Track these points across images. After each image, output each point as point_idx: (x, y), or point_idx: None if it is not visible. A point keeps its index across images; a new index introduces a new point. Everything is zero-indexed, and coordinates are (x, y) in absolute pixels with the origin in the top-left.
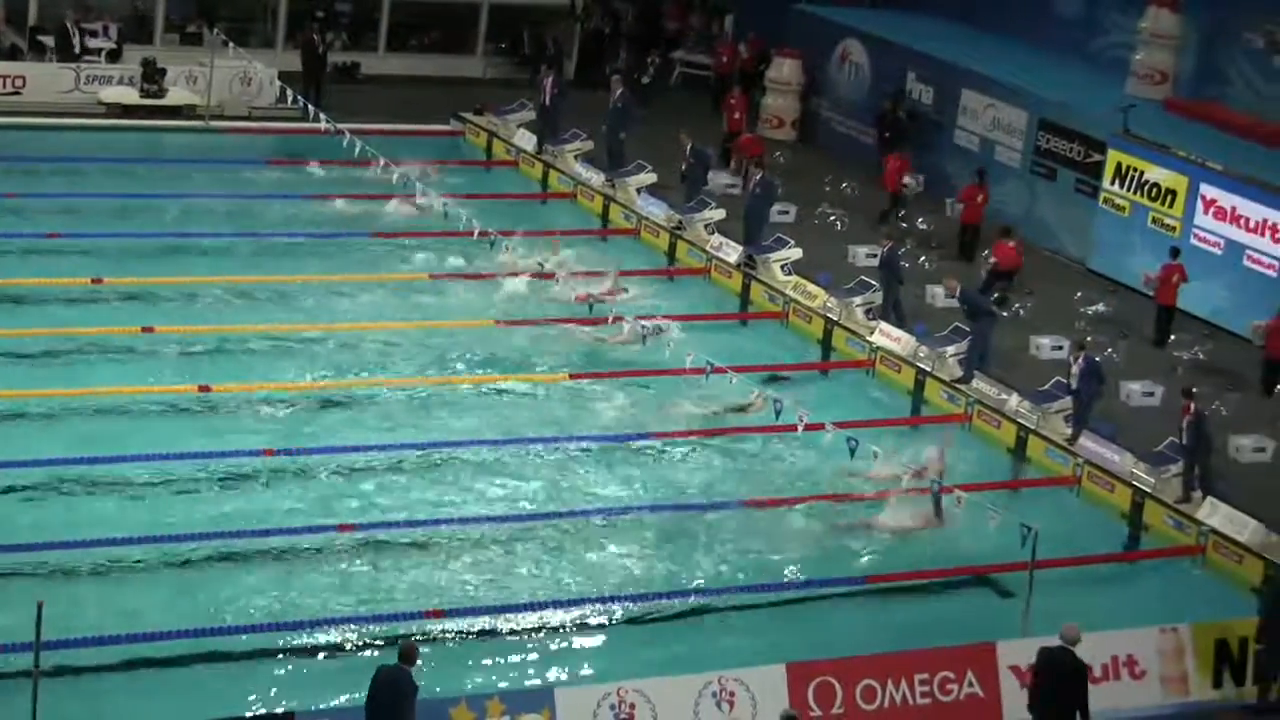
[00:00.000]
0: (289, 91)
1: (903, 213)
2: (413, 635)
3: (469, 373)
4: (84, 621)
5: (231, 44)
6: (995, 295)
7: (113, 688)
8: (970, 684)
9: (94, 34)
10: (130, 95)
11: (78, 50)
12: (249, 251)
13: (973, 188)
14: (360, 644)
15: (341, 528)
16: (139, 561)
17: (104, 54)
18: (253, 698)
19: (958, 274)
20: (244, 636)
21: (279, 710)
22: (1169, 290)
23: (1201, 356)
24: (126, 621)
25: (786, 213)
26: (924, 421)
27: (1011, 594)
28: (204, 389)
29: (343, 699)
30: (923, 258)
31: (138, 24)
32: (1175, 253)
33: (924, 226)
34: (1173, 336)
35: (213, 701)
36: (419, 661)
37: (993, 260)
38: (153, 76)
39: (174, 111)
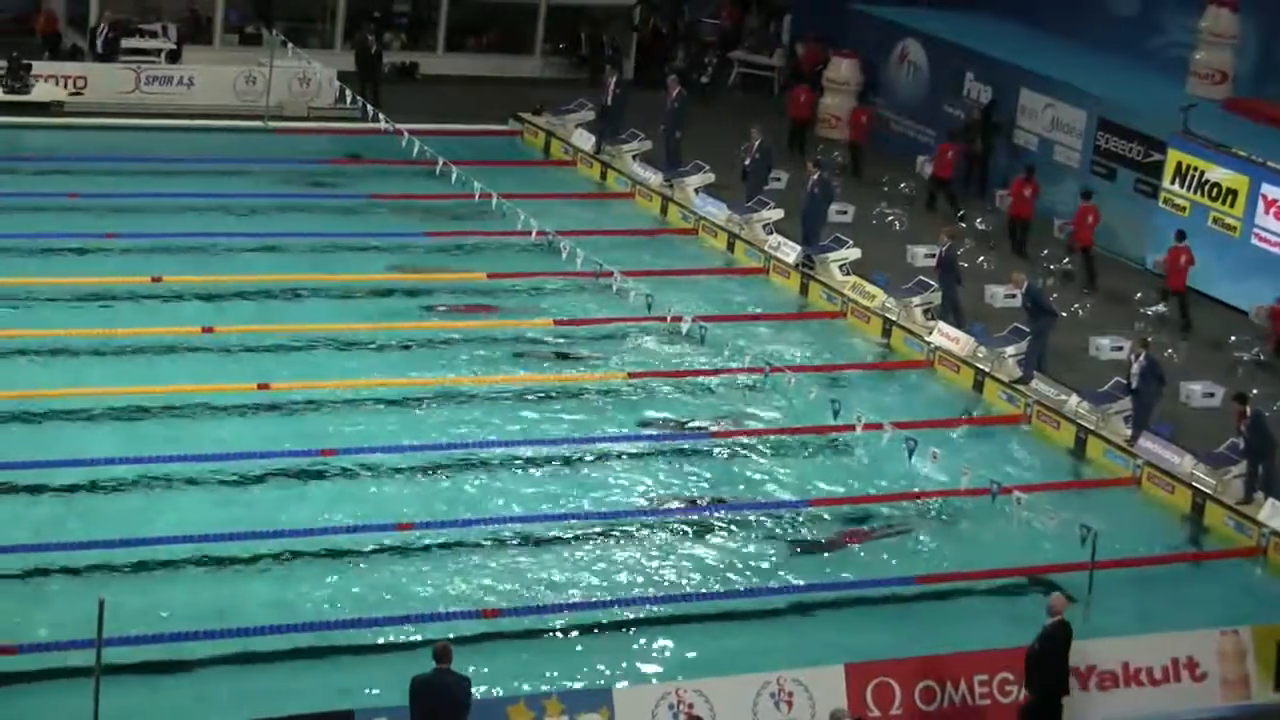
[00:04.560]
0: (347, 92)
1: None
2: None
3: (527, 371)
4: (143, 619)
5: (290, 45)
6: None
7: (172, 685)
8: None
9: (153, 35)
10: None
11: (100, 50)
12: (307, 249)
13: (1020, 182)
14: (419, 642)
15: (400, 527)
16: (202, 559)
17: (163, 55)
18: (312, 695)
19: (1023, 269)
20: (303, 634)
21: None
22: (1178, 274)
23: (1262, 357)
24: (185, 619)
25: (845, 213)
26: (983, 422)
27: (1071, 596)
28: (263, 386)
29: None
30: (981, 258)
31: (196, 25)
32: (1181, 235)
33: (982, 226)
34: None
35: (272, 698)
36: (453, 663)
37: (1070, 229)
38: (17, 73)
39: (41, 108)
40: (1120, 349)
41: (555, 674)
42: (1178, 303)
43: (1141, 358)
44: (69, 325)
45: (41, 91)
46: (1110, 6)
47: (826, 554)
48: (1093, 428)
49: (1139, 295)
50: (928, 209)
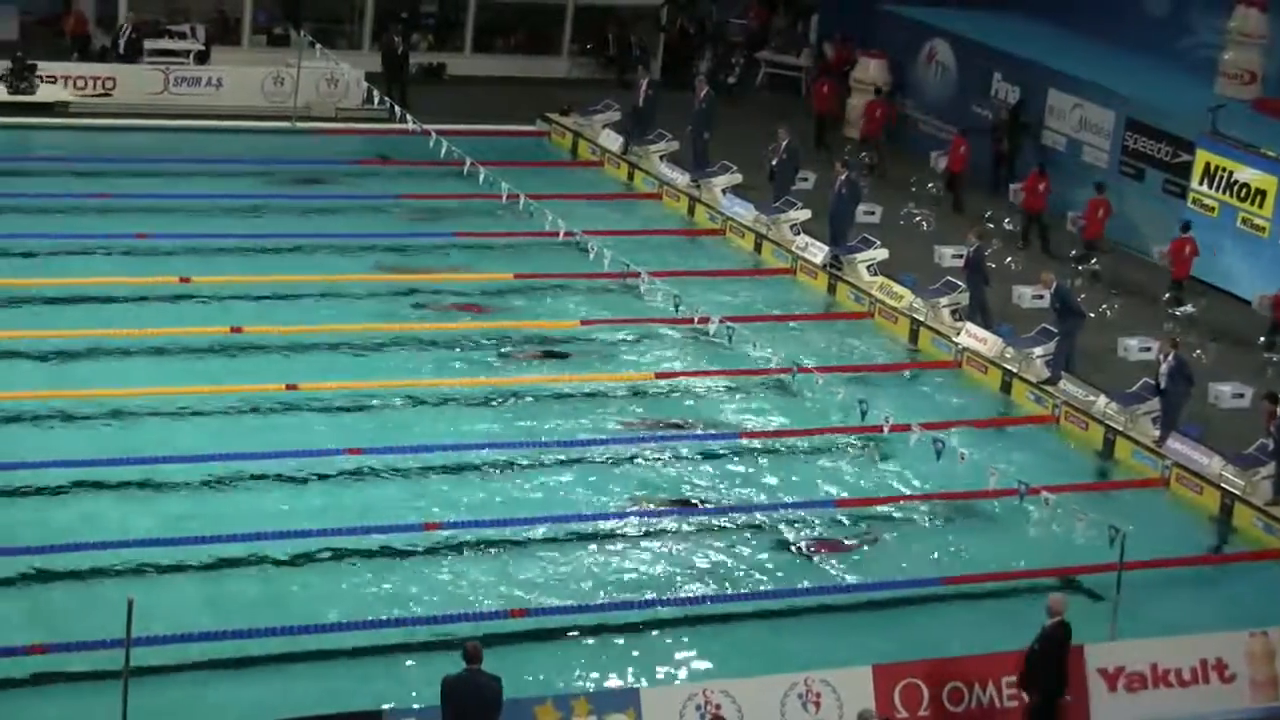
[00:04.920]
0: (375, 92)
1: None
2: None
3: (554, 372)
4: (171, 618)
5: (318, 46)
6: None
7: (201, 685)
8: None
9: (181, 36)
10: None
11: (122, 51)
12: (332, 250)
13: (1034, 176)
14: (447, 642)
15: (428, 526)
16: (224, 559)
17: (192, 56)
18: (340, 695)
19: (1053, 269)
20: (331, 634)
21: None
22: (1182, 263)
23: None
24: (213, 618)
25: (872, 213)
26: (1011, 423)
27: (1100, 596)
28: (291, 387)
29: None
30: (1009, 258)
31: (224, 26)
32: (1186, 226)
33: (1009, 226)
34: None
35: (301, 698)
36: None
37: (1082, 223)
38: (22, 73)
39: (46, 108)
40: (1149, 350)
41: (583, 674)
42: (1178, 290)
43: (1170, 358)
44: (96, 326)
45: (46, 92)
46: (1139, 7)
47: (857, 556)
48: (1121, 428)
49: (1167, 295)
50: (955, 210)
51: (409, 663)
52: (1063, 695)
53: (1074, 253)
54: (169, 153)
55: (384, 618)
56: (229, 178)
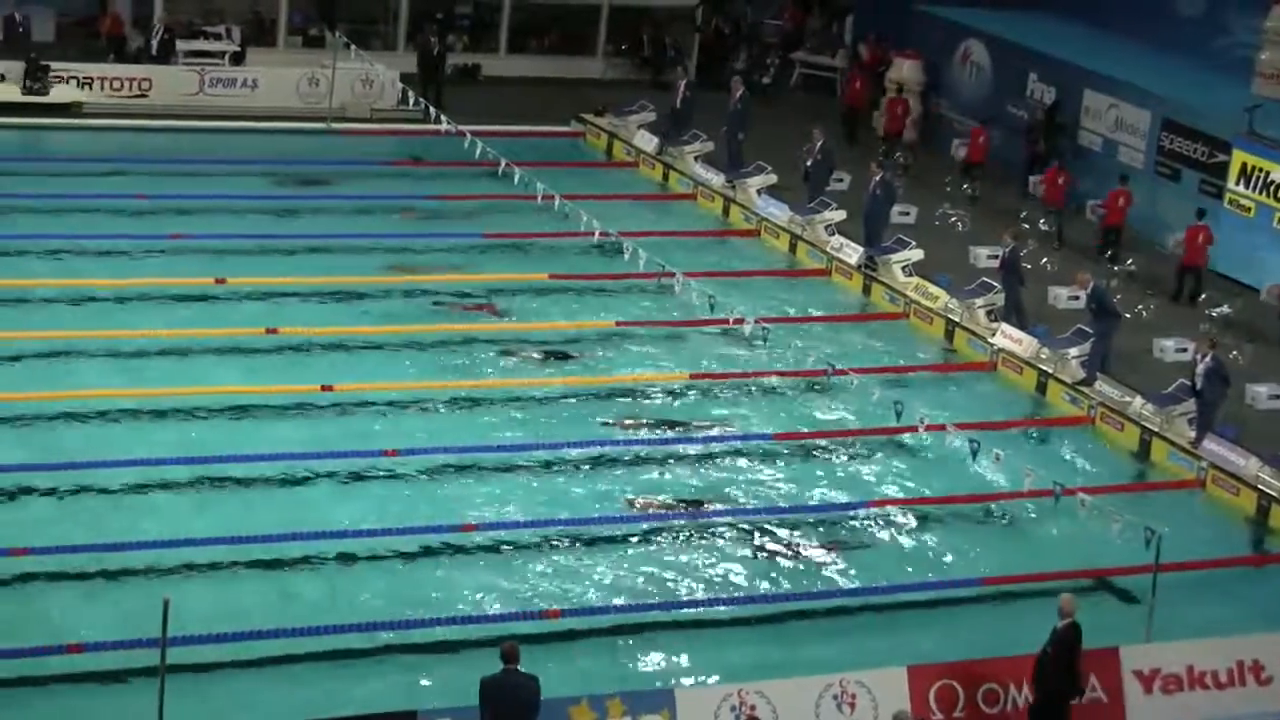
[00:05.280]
0: (410, 93)
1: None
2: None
3: (588, 373)
4: (204, 618)
5: (353, 47)
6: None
7: (235, 685)
8: (1093, 689)
9: (217, 37)
10: (12, 93)
11: (155, 52)
12: (367, 250)
13: (1054, 171)
14: (482, 641)
15: (464, 528)
16: (260, 559)
17: (227, 57)
18: (375, 695)
19: (1090, 269)
20: (365, 634)
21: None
22: (1196, 251)
23: None
24: (247, 618)
25: (907, 214)
26: (1047, 423)
27: (1135, 599)
28: (327, 388)
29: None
30: (1045, 259)
31: (260, 28)
32: (1200, 214)
33: (1045, 228)
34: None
35: (333, 699)
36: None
37: (1102, 211)
38: (36, 74)
39: (59, 109)
40: (1185, 350)
41: (617, 675)
42: (1194, 277)
43: (1207, 359)
44: (132, 326)
45: (59, 93)
46: (1174, 7)
47: (892, 557)
48: (1157, 430)
49: (1204, 296)
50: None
51: (443, 663)
52: (1076, 696)
53: (1109, 254)
54: (204, 153)
55: (418, 617)
56: (264, 178)
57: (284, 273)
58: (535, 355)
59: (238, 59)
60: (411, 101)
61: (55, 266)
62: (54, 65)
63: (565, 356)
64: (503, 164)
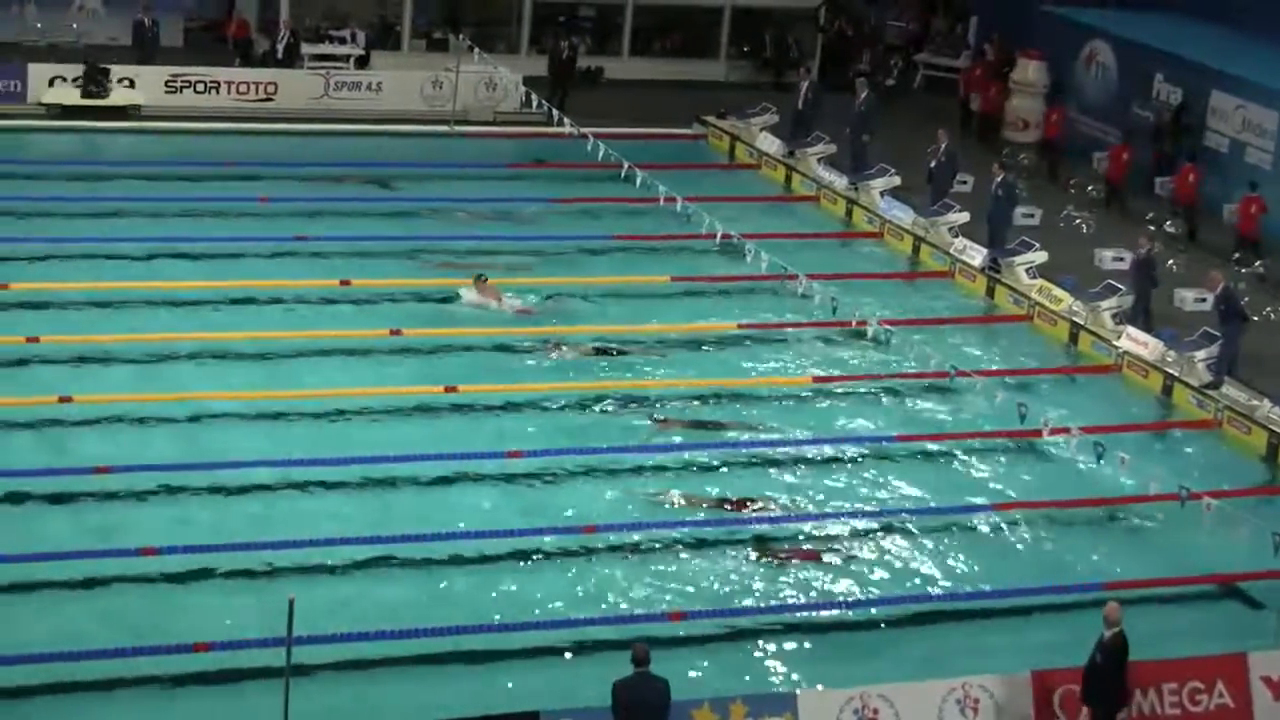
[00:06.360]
0: (533, 96)
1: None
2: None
3: (712, 375)
4: (333, 618)
5: (477, 50)
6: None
7: (360, 685)
8: (1220, 695)
9: (342, 40)
10: (72, 96)
11: (280, 56)
12: (488, 253)
13: (1186, 168)
14: (604, 643)
15: (585, 530)
16: (380, 557)
17: (352, 60)
18: (497, 696)
19: (1223, 269)
20: (488, 635)
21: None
22: (1249, 220)
23: None
24: (374, 618)
25: (1031, 216)
26: (1173, 427)
27: (1261, 604)
28: (450, 389)
29: (585, 699)
30: (1170, 260)
31: (386, 31)
32: (1254, 186)
33: (1171, 230)
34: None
35: (456, 699)
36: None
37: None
38: (96, 77)
39: (119, 112)
40: None
41: (739, 677)
42: (1251, 250)
43: None
44: (257, 328)
45: (119, 95)
46: None
47: (1008, 561)
48: None
49: (1235, 255)
50: (1107, 205)
51: (565, 664)
52: (1124, 708)
53: (1236, 255)
54: (328, 157)
55: (541, 619)
56: (385, 181)
57: (406, 275)
58: (656, 356)
59: (362, 63)
60: (534, 105)
61: (193, 268)
62: (181, 70)
63: (684, 359)
64: (625, 166)
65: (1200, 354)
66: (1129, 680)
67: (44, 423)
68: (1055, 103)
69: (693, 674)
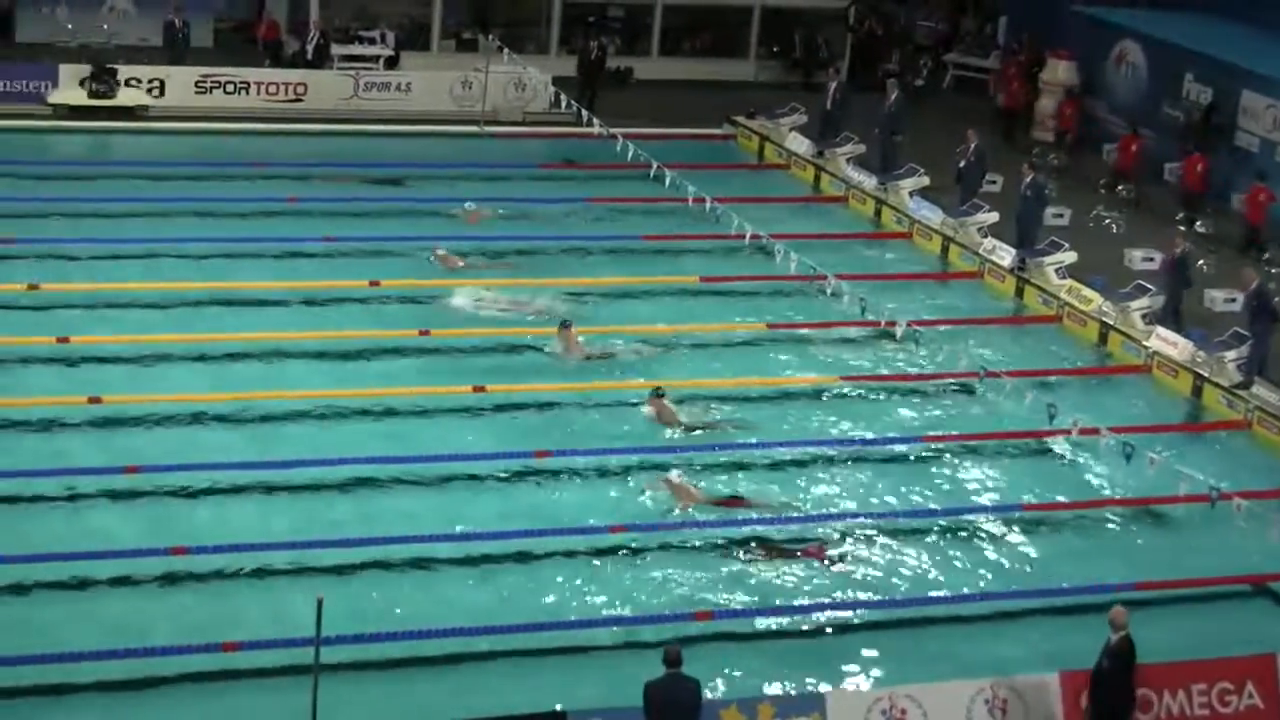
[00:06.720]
0: (563, 96)
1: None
2: (670, 638)
3: (747, 374)
4: (356, 618)
5: (506, 50)
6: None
7: (383, 684)
8: (1250, 696)
9: (371, 41)
10: (79, 96)
11: (310, 56)
12: (515, 252)
13: (1256, 189)
14: (633, 643)
15: (613, 529)
16: (408, 558)
17: (381, 61)
18: (524, 695)
19: (1255, 267)
20: (515, 635)
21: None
22: (1256, 208)
23: None
24: (398, 618)
25: (1061, 216)
26: (1203, 428)
27: None
28: (479, 389)
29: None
30: (1201, 261)
31: (415, 32)
32: (1261, 175)
33: (1202, 229)
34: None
35: (485, 698)
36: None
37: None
38: (102, 76)
39: (126, 112)
40: None
41: (767, 678)
42: (1253, 233)
43: None
44: (285, 329)
45: (126, 96)
46: None
47: (1038, 560)
48: None
49: (1247, 245)
50: (1135, 206)
51: (591, 664)
52: (1131, 712)
53: (1256, 247)
54: (356, 157)
55: (567, 619)
56: (417, 182)
57: (434, 275)
58: (682, 356)
59: (392, 63)
60: (564, 105)
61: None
62: (211, 70)
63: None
64: (654, 166)
65: (1230, 354)
66: (1136, 684)
67: (95, 422)
68: (1070, 95)
69: (720, 672)
